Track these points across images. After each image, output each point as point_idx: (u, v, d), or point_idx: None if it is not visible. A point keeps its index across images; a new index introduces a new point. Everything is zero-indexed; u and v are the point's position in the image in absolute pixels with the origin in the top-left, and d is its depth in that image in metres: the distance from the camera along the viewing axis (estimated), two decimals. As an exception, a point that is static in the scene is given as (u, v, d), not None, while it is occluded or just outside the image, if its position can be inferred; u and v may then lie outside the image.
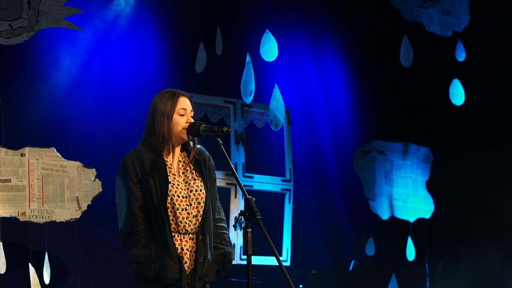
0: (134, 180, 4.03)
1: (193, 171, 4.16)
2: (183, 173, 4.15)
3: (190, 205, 4.08)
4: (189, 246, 4.06)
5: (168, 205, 4.02)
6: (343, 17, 8.28)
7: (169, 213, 4.02)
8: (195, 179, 4.14)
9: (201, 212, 4.10)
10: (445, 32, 7.95)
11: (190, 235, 4.08)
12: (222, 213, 4.29)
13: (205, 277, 4.10)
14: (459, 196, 8.54)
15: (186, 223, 4.05)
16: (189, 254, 4.06)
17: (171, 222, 4.03)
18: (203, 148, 4.27)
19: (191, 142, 4.16)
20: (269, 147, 7.86)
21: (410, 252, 8.14)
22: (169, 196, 4.02)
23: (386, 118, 8.44)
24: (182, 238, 4.06)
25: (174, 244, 4.00)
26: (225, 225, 4.26)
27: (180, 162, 4.17)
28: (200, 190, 4.12)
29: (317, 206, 8.19)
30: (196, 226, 4.09)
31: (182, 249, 4.04)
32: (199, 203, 4.10)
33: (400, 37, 7.59)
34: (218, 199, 4.28)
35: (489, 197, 8.59)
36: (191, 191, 4.10)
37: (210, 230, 4.12)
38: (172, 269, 3.98)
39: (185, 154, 4.19)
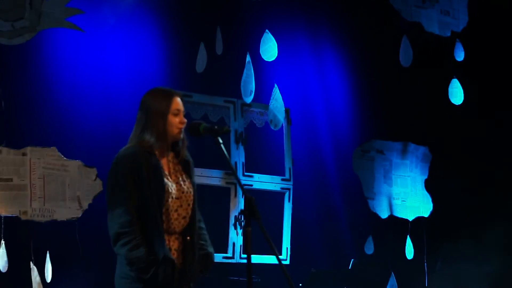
0: (128, 179, 3.96)
1: (182, 172, 4.14)
2: (173, 173, 4.12)
3: (181, 206, 4.07)
4: (177, 246, 4.05)
5: (162, 205, 4.00)
6: (343, 17, 8.25)
7: (162, 214, 3.99)
8: (184, 181, 4.12)
9: (190, 213, 4.09)
10: (444, 32, 7.92)
11: (177, 235, 4.07)
12: (200, 213, 4.29)
13: (191, 277, 4.10)
14: (458, 195, 8.52)
15: (176, 224, 4.04)
16: (177, 254, 4.04)
17: (162, 222, 4.01)
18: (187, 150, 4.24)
19: (180, 143, 4.13)
20: (268, 147, 7.84)
21: (409, 251, 8.12)
22: (164, 197, 3.99)
23: (385, 117, 8.41)
24: (169, 238, 4.04)
25: (168, 246, 3.98)
26: (204, 226, 4.26)
27: (170, 162, 4.14)
28: (190, 192, 4.11)
29: (316, 205, 8.17)
30: (184, 226, 4.08)
31: (170, 249, 4.03)
32: (188, 204, 4.10)
33: (399, 37, 7.58)
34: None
35: (489, 196, 8.58)
36: (183, 192, 4.09)
37: (196, 231, 4.12)
38: (165, 271, 3.95)
39: (173, 155, 4.15)
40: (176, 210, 4.03)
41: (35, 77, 6.32)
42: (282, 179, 7.75)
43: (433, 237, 8.45)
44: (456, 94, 7.89)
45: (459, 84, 7.88)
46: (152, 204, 3.95)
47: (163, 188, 3.99)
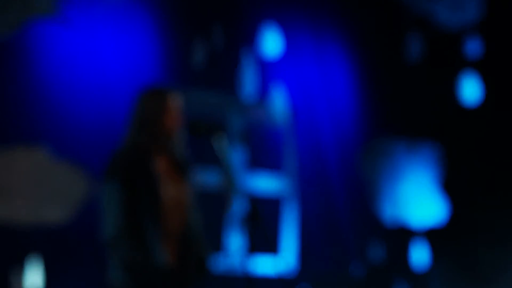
0: (123, 182, 3.97)
1: (179, 174, 4.13)
2: (170, 175, 4.12)
3: (178, 209, 4.05)
4: (173, 250, 4.05)
5: (160, 208, 4.00)
6: (347, 10, 8.24)
7: (160, 216, 3.99)
8: (182, 182, 4.09)
9: (187, 216, 4.06)
10: (456, 25, 7.88)
11: (173, 239, 4.06)
12: (199, 214, 4.21)
13: (188, 282, 4.06)
14: (474, 197, 8.39)
15: (172, 227, 4.05)
16: (174, 258, 4.04)
17: (160, 225, 4.02)
18: (184, 150, 4.24)
19: (177, 143, 4.15)
20: (269, 146, 7.80)
21: (419, 258, 8.00)
22: (160, 199, 3.99)
23: (393, 115, 8.36)
24: (166, 242, 4.03)
25: (164, 250, 3.99)
26: (202, 229, 4.22)
27: (166, 163, 4.14)
28: (187, 194, 4.07)
29: (320, 207, 8.07)
30: (181, 230, 4.06)
31: (166, 253, 4.03)
32: (185, 207, 4.07)
33: (408, 31, 7.60)
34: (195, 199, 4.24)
35: (506, 199, 8.41)
36: (180, 195, 4.07)
37: (193, 234, 4.12)
38: (162, 276, 3.94)
39: (170, 156, 4.13)
40: (173, 213, 4.03)
41: (21, 72, 6.24)
42: (284, 180, 7.67)
43: (446, 243, 8.32)
44: (469, 91, 7.86)
45: (472, 81, 7.84)
46: (148, 208, 3.96)
47: (159, 191, 3.99)
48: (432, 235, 8.20)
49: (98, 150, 6.30)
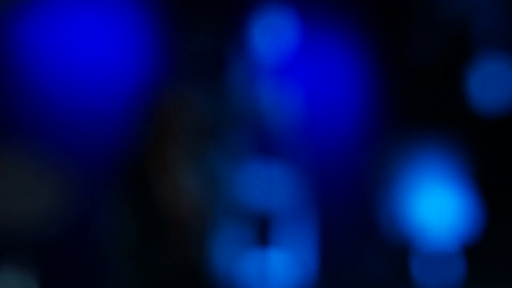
0: (130, 190, 4.15)
1: (183, 178, 4.28)
2: (179, 174, 4.26)
3: (182, 213, 4.19)
4: (178, 257, 4.16)
5: (163, 213, 4.18)
6: (355, 5, 8.25)
7: (163, 221, 4.14)
8: (189, 181, 4.25)
9: (190, 220, 4.21)
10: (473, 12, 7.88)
11: (176, 242, 4.16)
12: (203, 218, 4.39)
13: (188, 283, 4.19)
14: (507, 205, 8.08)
15: (175, 231, 4.16)
16: (174, 261, 4.13)
17: (167, 227, 4.17)
18: (195, 148, 4.40)
19: (184, 147, 4.32)
20: (271, 146, 7.67)
21: (449, 277, 7.67)
22: (163, 204, 4.14)
23: (405, 111, 8.28)
24: (168, 245, 4.15)
25: (165, 253, 4.13)
26: (208, 233, 4.43)
27: (175, 162, 4.31)
28: (191, 198, 4.23)
29: (324, 211, 7.88)
30: (183, 234, 4.22)
31: (171, 259, 4.16)
32: (189, 211, 4.19)
33: (419, 25, 7.63)
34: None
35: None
36: (183, 198, 4.21)
37: (195, 238, 4.24)
38: (161, 278, 4.08)
39: (179, 155, 4.31)
40: (176, 218, 4.16)
41: (7, 65, 6.22)
42: (286, 180, 7.49)
43: (475, 261, 7.92)
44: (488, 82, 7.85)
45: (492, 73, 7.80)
46: (151, 213, 4.12)
47: (162, 196, 4.14)
48: (464, 250, 7.90)
49: (89, 145, 6.39)
